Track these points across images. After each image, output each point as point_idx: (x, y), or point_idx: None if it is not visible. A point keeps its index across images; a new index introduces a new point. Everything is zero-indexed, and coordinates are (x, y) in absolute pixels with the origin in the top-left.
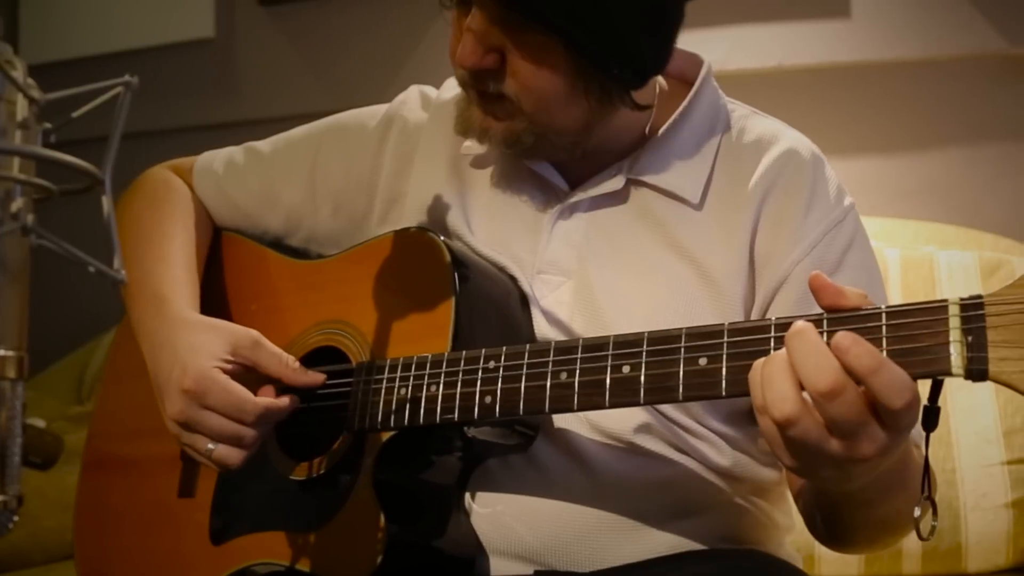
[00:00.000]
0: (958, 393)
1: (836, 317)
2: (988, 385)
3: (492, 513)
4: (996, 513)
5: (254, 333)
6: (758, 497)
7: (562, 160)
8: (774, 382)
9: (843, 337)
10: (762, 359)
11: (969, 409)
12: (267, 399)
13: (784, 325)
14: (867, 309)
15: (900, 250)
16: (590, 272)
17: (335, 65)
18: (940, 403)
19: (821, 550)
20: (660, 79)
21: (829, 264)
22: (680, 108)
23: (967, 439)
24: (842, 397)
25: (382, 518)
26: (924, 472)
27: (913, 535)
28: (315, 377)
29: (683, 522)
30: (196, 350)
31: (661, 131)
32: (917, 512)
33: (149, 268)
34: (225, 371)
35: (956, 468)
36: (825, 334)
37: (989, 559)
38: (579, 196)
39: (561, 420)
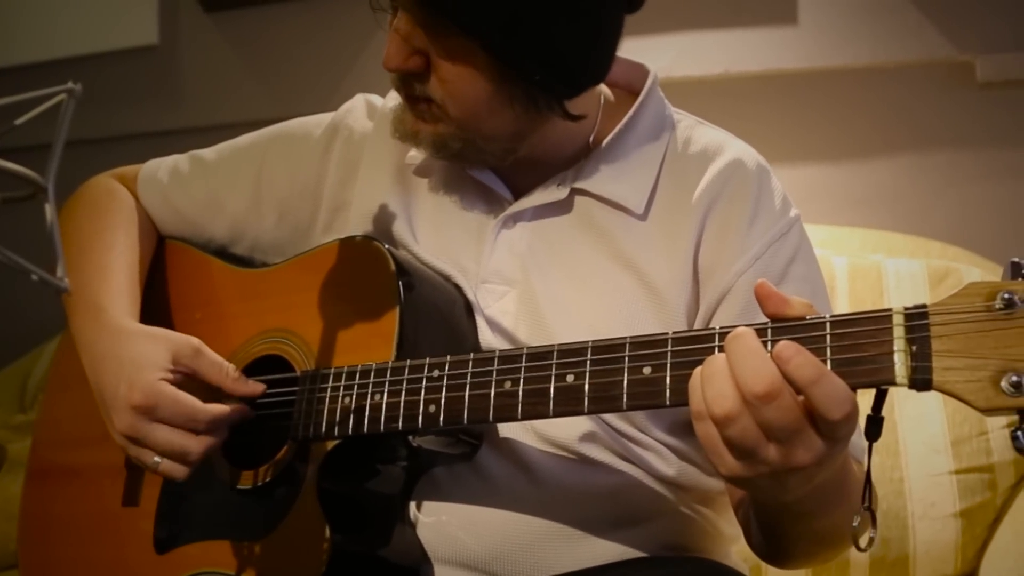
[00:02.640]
0: (906, 403)
1: (781, 326)
2: (935, 395)
3: (437, 522)
4: (944, 523)
5: (195, 341)
6: (704, 506)
7: (496, 167)
8: (714, 380)
9: (785, 347)
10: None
11: (917, 418)
12: (217, 406)
13: (728, 334)
14: (812, 318)
15: (848, 258)
16: (534, 281)
17: (279, 72)
18: (888, 413)
19: None
20: (605, 89)
21: (773, 276)
22: (625, 118)
23: (915, 449)
24: (778, 401)
25: (326, 527)
26: (866, 482)
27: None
28: (254, 387)
29: (629, 530)
30: (139, 363)
31: (606, 141)
32: (856, 521)
33: (88, 278)
34: (170, 381)
35: (904, 478)
36: (769, 343)
37: (937, 569)
38: (523, 205)
39: (506, 429)
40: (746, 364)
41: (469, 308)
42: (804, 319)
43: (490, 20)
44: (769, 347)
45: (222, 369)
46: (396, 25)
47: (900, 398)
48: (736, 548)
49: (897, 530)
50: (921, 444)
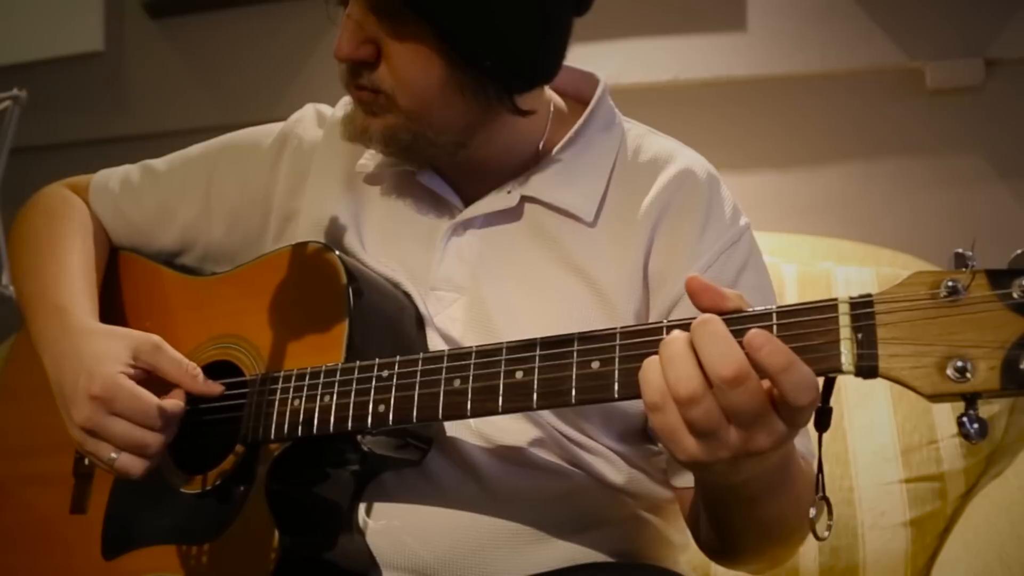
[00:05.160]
0: (855, 411)
1: (730, 318)
2: (886, 403)
3: (386, 527)
4: (894, 532)
5: (155, 338)
6: (653, 514)
7: (447, 164)
8: (676, 362)
9: (756, 335)
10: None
11: (867, 427)
12: (173, 401)
13: (675, 328)
14: (758, 309)
15: (797, 266)
16: (483, 289)
17: (226, 79)
18: (838, 422)
19: (717, 569)
20: (555, 97)
21: (723, 284)
22: (575, 127)
23: (865, 458)
24: (745, 385)
25: (275, 531)
26: (818, 471)
27: (803, 552)
28: (213, 387)
29: (578, 536)
30: (100, 357)
31: (555, 149)
32: (812, 512)
33: (49, 281)
34: (129, 376)
35: (854, 487)
36: None
37: None
38: (473, 212)
39: (455, 433)
40: (714, 348)
41: (418, 315)
42: (742, 311)
43: (439, 2)
44: None
45: (181, 366)
46: (348, 12)
47: (850, 407)
48: (685, 558)
49: (847, 539)
50: (871, 453)
